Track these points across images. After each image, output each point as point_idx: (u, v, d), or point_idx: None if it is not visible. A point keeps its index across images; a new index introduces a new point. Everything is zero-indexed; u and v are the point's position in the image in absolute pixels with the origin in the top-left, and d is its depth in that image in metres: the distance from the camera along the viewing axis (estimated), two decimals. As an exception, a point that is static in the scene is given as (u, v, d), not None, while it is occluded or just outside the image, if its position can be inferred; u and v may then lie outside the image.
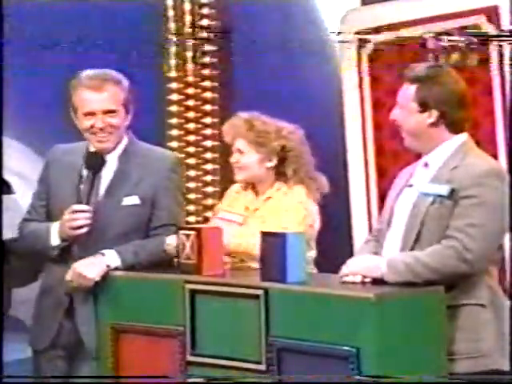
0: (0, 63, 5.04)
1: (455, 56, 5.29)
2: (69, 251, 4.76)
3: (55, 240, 4.73)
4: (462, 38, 5.26)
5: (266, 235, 4.35)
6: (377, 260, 4.30)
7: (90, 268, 4.64)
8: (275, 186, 4.93)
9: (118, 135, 4.78)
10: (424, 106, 4.35)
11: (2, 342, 4.86)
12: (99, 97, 4.70)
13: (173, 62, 8.13)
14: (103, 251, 4.66)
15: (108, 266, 4.66)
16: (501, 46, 5.16)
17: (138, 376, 4.58)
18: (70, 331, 4.77)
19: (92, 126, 4.72)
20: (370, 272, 4.24)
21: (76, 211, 4.66)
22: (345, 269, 4.32)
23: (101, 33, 7.28)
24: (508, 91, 5.14)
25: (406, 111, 4.36)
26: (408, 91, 4.36)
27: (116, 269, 4.69)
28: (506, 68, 5.12)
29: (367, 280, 4.24)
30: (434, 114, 4.35)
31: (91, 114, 4.71)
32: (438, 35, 5.38)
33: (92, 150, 4.78)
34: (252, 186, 4.99)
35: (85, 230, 4.67)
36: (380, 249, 4.47)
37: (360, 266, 4.29)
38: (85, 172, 4.76)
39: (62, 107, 4.88)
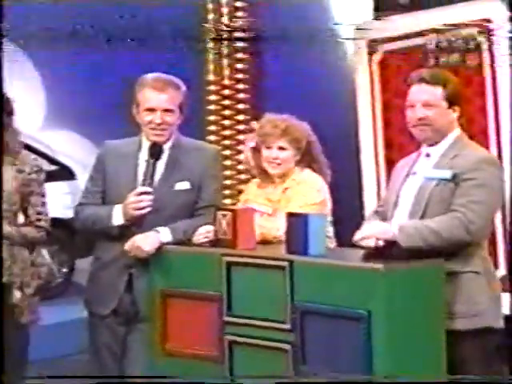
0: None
1: (454, 57, 5.28)
2: (127, 230, 4.75)
3: (118, 220, 4.71)
4: (459, 42, 5.24)
5: (290, 216, 4.35)
6: (388, 225, 4.30)
7: (146, 242, 4.64)
8: (292, 175, 4.88)
9: (171, 131, 4.78)
10: (451, 104, 4.34)
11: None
12: (160, 97, 4.71)
13: (211, 66, 8.18)
14: (157, 228, 4.65)
15: (161, 242, 4.66)
16: (491, 51, 5.16)
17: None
18: (129, 301, 4.76)
19: (151, 122, 4.73)
20: (383, 235, 4.23)
21: (141, 193, 4.67)
22: (359, 233, 4.31)
23: (147, 35, 7.27)
24: (498, 90, 5.13)
25: (437, 109, 4.32)
26: (433, 92, 4.32)
27: (168, 244, 4.67)
28: (498, 70, 5.12)
29: (380, 243, 4.22)
30: (457, 109, 4.36)
31: (152, 110, 4.71)
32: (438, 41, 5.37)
33: (151, 141, 4.77)
34: (271, 179, 4.94)
35: (147, 210, 4.67)
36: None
37: (374, 229, 4.29)
38: (141, 161, 4.77)
39: (115, 109, 4.92)
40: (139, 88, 4.78)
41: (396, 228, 4.22)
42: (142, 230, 4.68)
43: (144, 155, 4.78)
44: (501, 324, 4.34)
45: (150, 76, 4.80)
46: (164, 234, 4.67)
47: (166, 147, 4.79)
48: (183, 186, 4.77)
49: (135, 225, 4.71)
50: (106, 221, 4.74)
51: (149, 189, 4.67)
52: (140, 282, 4.73)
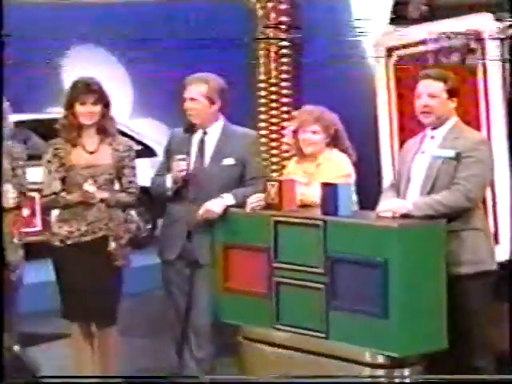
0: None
1: (453, 59, 5.25)
2: (186, 196, 4.75)
3: (169, 183, 4.75)
4: (459, 42, 5.21)
5: (324, 185, 4.37)
6: (404, 201, 4.28)
7: (215, 205, 4.66)
8: (323, 154, 4.79)
9: (201, 116, 4.79)
10: (450, 95, 4.32)
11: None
12: (196, 89, 4.79)
13: (261, 67, 8.16)
14: (222, 195, 4.68)
15: (226, 205, 4.68)
16: (483, 54, 5.13)
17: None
18: (189, 251, 4.77)
19: (186, 109, 4.79)
20: (400, 209, 4.20)
21: (179, 159, 4.74)
22: (380, 207, 4.30)
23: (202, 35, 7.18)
24: (489, 87, 5.07)
25: (439, 99, 4.30)
26: (437, 86, 4.29)
27: (231, 206, 4.68)
28: (488, 70, 5.10)
29: (396, 215, 4.20)
30: (455, 100, 4.34)
31: (188, 99, 4.78)
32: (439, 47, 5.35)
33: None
34: (306, 157, 4.82)
35: (185, 172, 4.70)
36: (398, 195, 4.40)
37: (392, 205, 4.27)
38: (193, 144, 4.80)
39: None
40: (184, 85, 4.84)
41: (410, 204, 4.21)
42: (197, 198, 4.70)
43: (198, 135, 4.82)
44: (496, 268, 4.33)
45: (190, 76, 4.86)
46: (228, 199, 4.69)
47: (214, 131, 4.82)
48: (229, 161, 4.79)
49: (190, 192, 4.72)
50: (163, 185, 4.78)
51: (184, 156, 4.73)
52: (197, 235, 4.75)
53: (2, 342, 4.48)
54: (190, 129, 4.82)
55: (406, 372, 4.24)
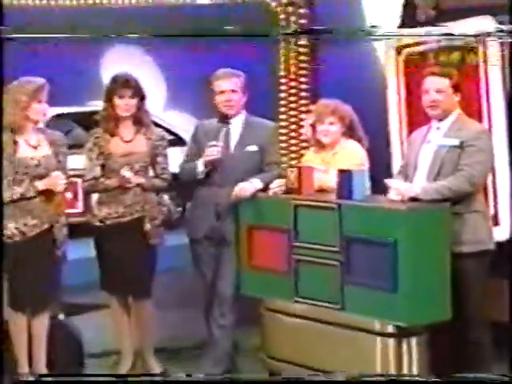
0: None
1: (455, 55, 5.22)
2: (213, 180, 4.76)
3: (201, 167, 4.74)
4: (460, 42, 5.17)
5: (340, 172, 4.37)
6: (413, 186, 4.27)
7: (247, 187, 4.65)
8: (339, 144, 4.75)
9: (236, 107, 4.81)
10: (455, 90, 4.30)
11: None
12: (227, 83, 4.78)
13: (282, 65, 8.12)
14: (251, 179, 4.68)
15: (256, 188, 4.66)
16: (485, 53, 5.09)
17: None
18: (217, 230, 4.78)
19: (223, 100, 4.78)
20: (409, 193, 4.20)
21: (212, 145, 4.72)
22: (392, 192, 4.27)
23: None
24: (490, 83, 5.02)
25: (445, 94, 4.28)
26: (443, 82, 4.28)
27: (259, 190, 4.67)
28: (489, 68, 5.05)
29: (405, 198, 4.19)
30: (459, 95, 4.32)
31: (222, 92, 4.79)
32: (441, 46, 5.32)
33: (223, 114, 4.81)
34: (323, 147, 4.77)
35: (216, 157, 4.69)
36: (406, 180, 4.38)
37: (401, 187, 4.25)
38: (221, 133, 4.77)
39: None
40: (212, 80, 4.82)
41: (418, 188, 4.20)
42: (223, 181, 4.70)
43: (222, 127, 4.80)
44: (494, 247, 4.31)
45: (218, 71, 4.85)
46: (256, 183, 4.68)
47: (239, 121, 4.83)
48: (252, 148, 4.80)
49: (217, 176, 4.72)
50: (194, 170, 4.76)
51: (217, 143, 4.71)
52: (224, 215, 4.75)
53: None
54: (225, 119, 4.81)
55: (413, 340, 4.24)
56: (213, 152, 4.72)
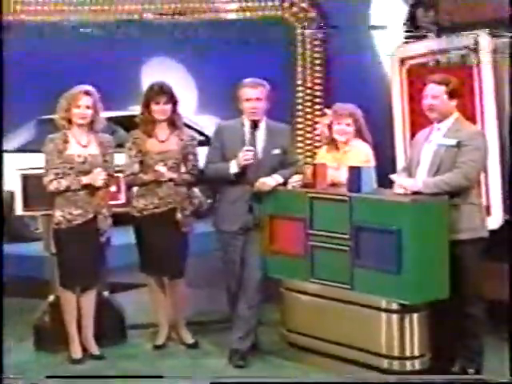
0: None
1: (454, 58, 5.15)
2: (244, 180, 4.59)
3: (234, 169, 4.55)
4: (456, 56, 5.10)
5: (350, 168, 4.34)
6: (415, 180, 4.22)
7: (269, 181, 4.55)
8: (350, 143, 4.67)
9: (261, 114, 4.63)
10: (451, 96, 4.23)
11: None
12: (254, 91, 4.61)
13: (298, 74, 8.07)
14: (272, 175, 4.57)
15: (278, 182, 4.57)
16: (478, 63, 5.01)
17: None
18: (251, 219, 4.62)
19: (249, 107, 4.60)
20: (411, 187, 4.16)
21: (248, 150, 4.56)
22: (396, 186, 4.23)
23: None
24: (483, 89, 4.93)
25: (441, 100, 4.22)
26: (439, 89, 4.22)
27: (279, 184, 4.57)
28: (483, 75, 4.97)
29: (408, 192, 4.16)
30: (455, 100, 4.26)
31: (249, 100, 4.61)
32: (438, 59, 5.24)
33: (251, 120, 4.64)
34: (335, 146, 4.69)
35: (251, 161, 4.53)
36: (409, 176, 4.31)
37: (405, 183, 4.20)
38: (246, 133, 4.63)
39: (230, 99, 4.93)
40: (239, 87, 4.66)
41: (420, 183, 4.16)
42: (254, 179, 4.57)
43: (247, 129, 4.66)
44: (487, 234, 4.26)
45: (245, 80, 4.68)
46: (277, 178, 4.60)
47: (262, 126, 4.67)
48: (277, 151, 4.67)
49: (248, 175, 4.59)
50: (225, 171, 4.58)
51: (252, 147, 4.58)
52: (256, 208, 4.65)
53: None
54: (253, 125, 4.64)
55: (415, 316, 4.21)
56: (249, 156, 4.56)
